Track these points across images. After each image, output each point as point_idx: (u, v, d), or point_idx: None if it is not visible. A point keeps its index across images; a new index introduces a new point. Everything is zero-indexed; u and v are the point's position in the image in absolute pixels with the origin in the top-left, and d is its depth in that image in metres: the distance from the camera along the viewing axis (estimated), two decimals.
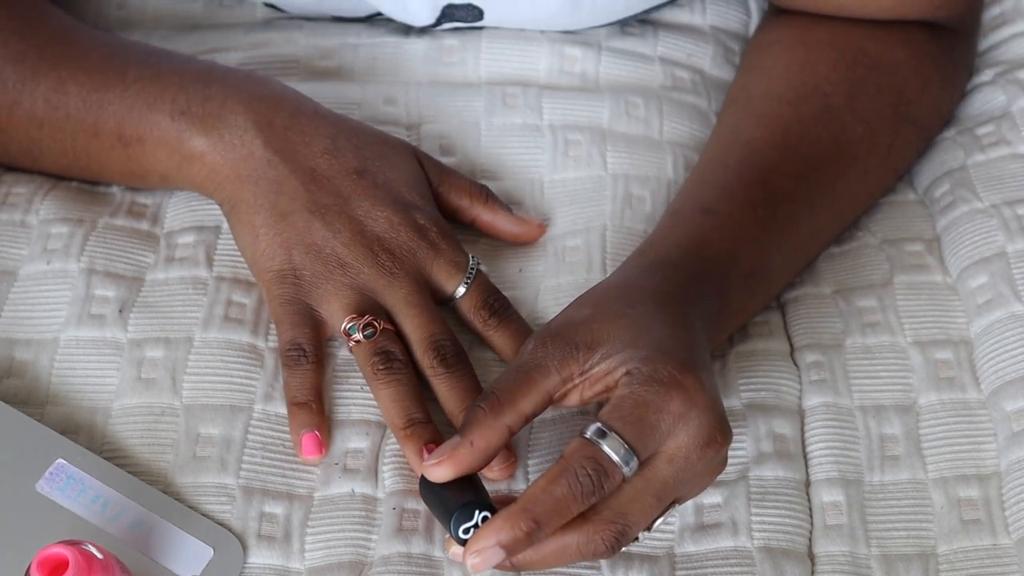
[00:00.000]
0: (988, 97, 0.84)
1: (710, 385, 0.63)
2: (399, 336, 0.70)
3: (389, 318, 0.70)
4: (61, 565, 0.57)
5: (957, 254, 0.77)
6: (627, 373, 0.63)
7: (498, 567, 0.61)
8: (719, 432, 0.62)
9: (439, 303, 0.73)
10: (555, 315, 0.67)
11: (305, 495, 0.67)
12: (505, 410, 0.62)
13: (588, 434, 0.61)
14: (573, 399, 0.64)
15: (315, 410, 0.69)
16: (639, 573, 0.64)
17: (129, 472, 0.66)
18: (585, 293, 0.68)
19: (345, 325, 0.70)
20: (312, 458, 0.68)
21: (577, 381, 0.64)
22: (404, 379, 0.69)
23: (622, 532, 0.61)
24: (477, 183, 0.78)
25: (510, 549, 0.59)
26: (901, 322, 0.74)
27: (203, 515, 0.65)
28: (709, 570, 0.65)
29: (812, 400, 0.71)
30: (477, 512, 0.61)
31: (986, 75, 0.86)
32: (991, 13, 0.89)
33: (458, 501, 0.61)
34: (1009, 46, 0.87)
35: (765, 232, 0.73)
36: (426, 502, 0.64)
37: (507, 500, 0.62)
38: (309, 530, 0.66)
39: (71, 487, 0.65)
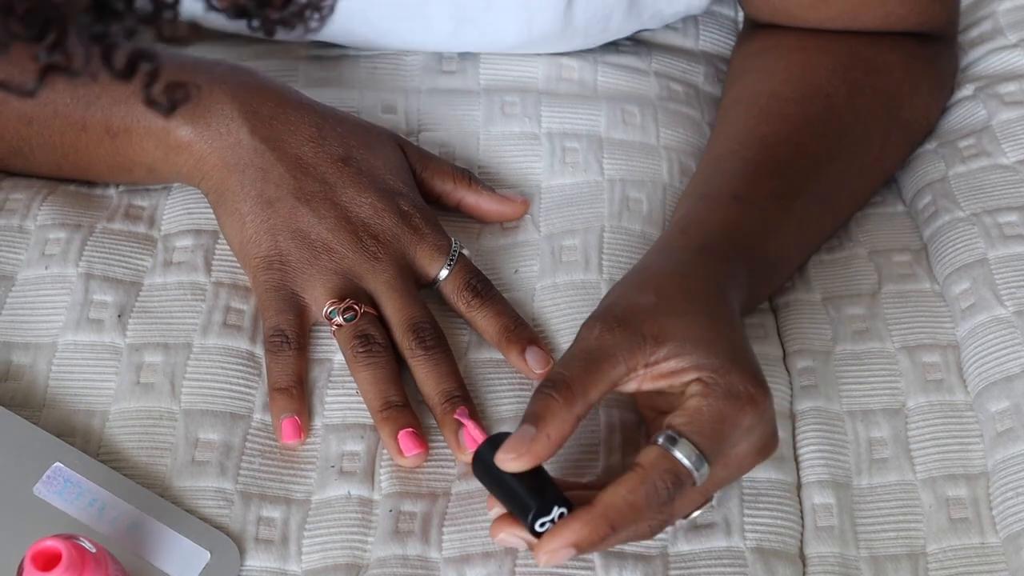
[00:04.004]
0: (969, 111, 0.86)
1: (771, 397, 0.64)
2: (382, 321, 0.71)
3: (373, 303, 0.71)
4: (54, 558, 0.57)
5: (941, 261, 0.78)
6: (700, 381, 0.63)
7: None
8: (773, 441, 0.64)
9: (424, 287, 0.73)
10: (612, 292, 0.67)
11: (302, 499, 0.67)
12: (578, 401, 0.62)
13: (661, 441, 0.62)
14: (630, 387, 0.65)
15: (295, 395, 0.69)
16: (633, 572, 0.64)
17: (126, 475, 0.66)
18: (642, 274, 0.68)
19: (326, 309, 0.70)
20: (292, 443, 0.68)
21: (641, 372, 0.64)
22: (382, 362, 0.69)
23: (665, 521, 0.62)
24: (459, 167, 0.78)
25: (581, 549, 0.61)
26: (889, 329, 0.75)
27: (200, 518, 0.66)
28: (702, 569, 0.65)
29: (802, 405, 0.72)
30: (556, 508, 0.61)
31: (967, 90, 0.87)
32: (971, 34, 0.91)
33: (533, 493, 0.61)
34: (989, 61, 0.88)
35: (787, 223, 0.74)
36: (485, 483, 0.64)
37: (570, 486, 0.64)
38: (306, 533, 0.66)
39: (68, 490, 0.65)
